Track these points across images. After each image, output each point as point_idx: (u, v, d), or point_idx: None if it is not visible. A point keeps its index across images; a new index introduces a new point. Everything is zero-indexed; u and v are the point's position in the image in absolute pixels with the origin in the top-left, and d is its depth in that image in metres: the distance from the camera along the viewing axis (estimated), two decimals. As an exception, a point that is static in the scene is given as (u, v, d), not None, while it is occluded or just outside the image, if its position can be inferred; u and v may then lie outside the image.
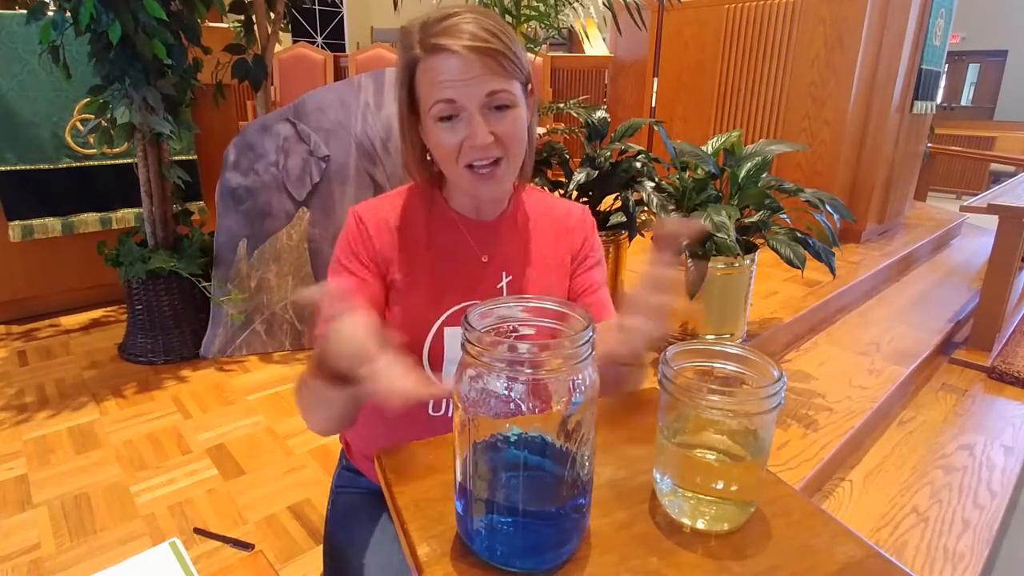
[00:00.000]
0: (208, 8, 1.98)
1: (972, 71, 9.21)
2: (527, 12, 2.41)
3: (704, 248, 1.98)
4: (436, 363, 0.86)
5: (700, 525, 0.55)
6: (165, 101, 1.94)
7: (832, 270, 1.99)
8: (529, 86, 0.81)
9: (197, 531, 1.36)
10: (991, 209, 2.44)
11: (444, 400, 0.87)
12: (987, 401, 2.27)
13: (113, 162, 2.47)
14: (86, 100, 2.20)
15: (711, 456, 0.55)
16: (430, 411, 0.87)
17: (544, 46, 3.18)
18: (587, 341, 0.47)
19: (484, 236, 0.89)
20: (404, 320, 0.86)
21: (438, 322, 0.85)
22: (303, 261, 2.20)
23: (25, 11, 2.07)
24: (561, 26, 2.50)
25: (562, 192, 2.17)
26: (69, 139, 2.36)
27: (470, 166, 0.77)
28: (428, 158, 0.85)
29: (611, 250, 2.30)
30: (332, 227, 2.20)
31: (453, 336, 0.84)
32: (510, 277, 0.88)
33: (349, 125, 2.18)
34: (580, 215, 0.95)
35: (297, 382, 0.79)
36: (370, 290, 0.86)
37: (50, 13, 1.81)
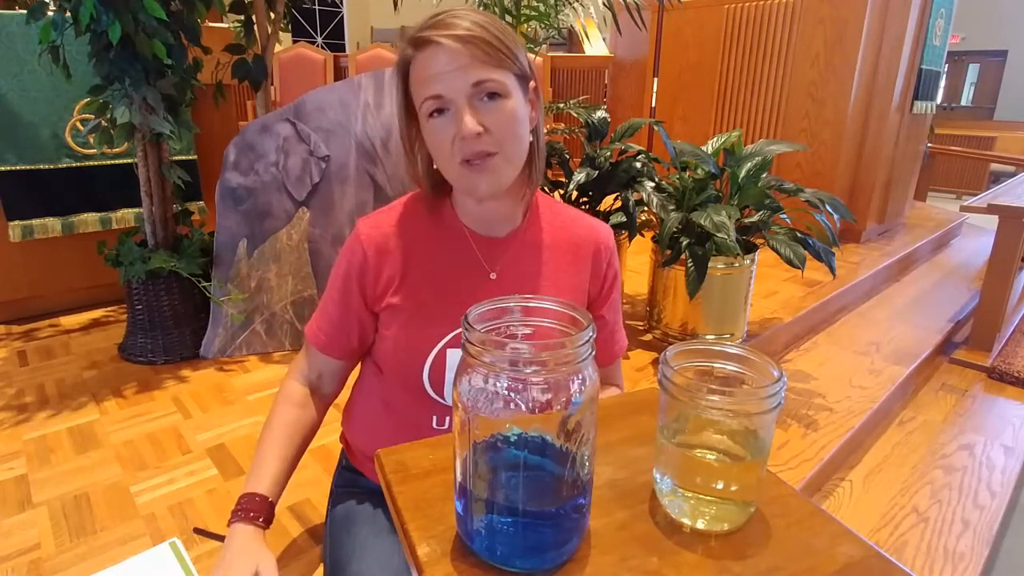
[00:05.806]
0: (208, 8, 1.97)
1: (972, 71, 9.22)
2: (527, 12, 2.42)
3: (704, 248, 1.98)
4: (437, 385, 0.83)
5: (700, 525, 0.55)
6: (165, 101, 1.94)
7: (832, 270, 1.99)
8: (531, 83, 0.80)
9: (197, 531, 1.35)
10: (991, 209, 2.44)
11: (447, 415, 0.86)
12: (987, 401, 2.27)
13: (113, 162, 2.47)
14: (86, 100, 2.20)
15: (711, 456, 0.55)
16: (434, 425, 0.86)
17: (544, 46, 3.18)
18: (587, 341, 0.47)
19: (495, 253, 0.85)
20: (403, 342, 0.83)
21: (441, 343, 0.81)
22: (303, 261, 2.20)
23: (25, 11, 2.07)
24: (561, 26, 2.51)
25: (562, 192, 2.17)
26: (69, 139, 2.36)
27: (466, 161, 0.75)
28: (435, 166, 0.82)
29: (611, 250, 2.30)
30: (332, 227, 2.20)
31: (456, 358, 0.80)
32: None
33: (349, 125, 2.18)
34: (605, 240, 0.90)
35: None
36: (353, 323, 0.86)
37: (50, 13, 1.81)
